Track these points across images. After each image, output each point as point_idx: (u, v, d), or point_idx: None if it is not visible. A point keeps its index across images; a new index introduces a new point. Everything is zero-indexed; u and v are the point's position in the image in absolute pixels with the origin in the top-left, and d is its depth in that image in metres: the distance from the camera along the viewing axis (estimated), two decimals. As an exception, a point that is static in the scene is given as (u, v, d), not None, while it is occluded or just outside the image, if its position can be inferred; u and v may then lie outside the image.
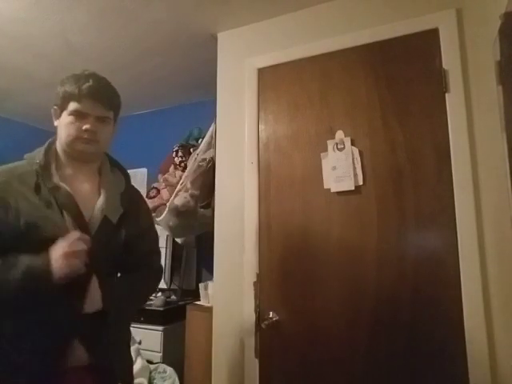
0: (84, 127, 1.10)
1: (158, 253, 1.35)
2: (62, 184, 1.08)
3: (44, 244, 0.99)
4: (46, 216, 1.03)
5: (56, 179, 1.09)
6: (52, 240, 1.00)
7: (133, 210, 1.22)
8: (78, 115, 1.10)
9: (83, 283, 1.04)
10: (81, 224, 1.06)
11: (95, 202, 1.13)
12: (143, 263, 1.26)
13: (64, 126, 1.12)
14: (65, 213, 1.05)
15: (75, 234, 1.01)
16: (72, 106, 1.10)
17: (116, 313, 1.10)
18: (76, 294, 1.03)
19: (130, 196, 1.26)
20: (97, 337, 1.07)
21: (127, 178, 1.28)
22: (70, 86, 1.11)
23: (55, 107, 1.16)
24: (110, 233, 1.13)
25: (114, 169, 1.26)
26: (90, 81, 1.11)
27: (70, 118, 1.10)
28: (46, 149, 1.15)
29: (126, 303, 1.18)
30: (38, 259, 0.98)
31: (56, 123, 1.16)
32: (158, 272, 1.36)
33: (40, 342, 1.00)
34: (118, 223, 1.15)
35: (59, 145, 1.16)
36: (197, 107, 2.94)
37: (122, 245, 1.16)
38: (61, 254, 0.97)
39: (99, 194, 1.16)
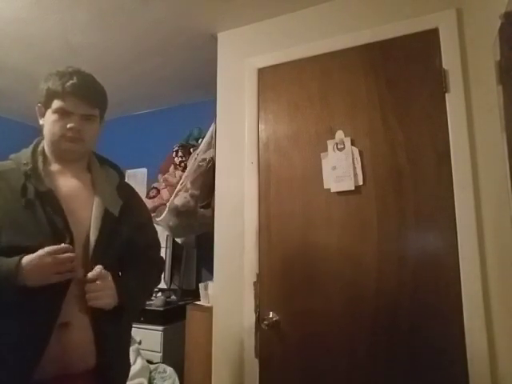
0: (68, 126, 1.07)
1: (158, 245, 1.35)
2: (53, 189, 1.05)
3: (21, 251, 0.95)
4: (28, 221, 0.99)
5: (47, 182, 1.05)
6: (31, 247, 0.96)
7: (131, 203, 1.22)
8: (63, 113, 1.07)
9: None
10: (65, 233, 1.01)
11: (90, 198, 1.12)
12: (144, 256, 1.25)
13: (48, 124, 1.09)
14: (50, 220, 1.01)
15: (62, 245, 0.96)
16: (56, 103, 1.07)
17: (130, 308, 1.10)
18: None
19: (126, 189, 1.25)
20: (108, 336, 1.05)
21: (119, 172, 1.27)
22: (54, 83, 1.08)
23: (39, 105, 1.13)
24: (113, 226, 1.12)
25: (104, 165, 1.24)
26: (74, 78, 1.08)
27: (54, 117, 1.08)
28: (32, 149, 1.12)
29: (136, 298, 1.18)
30: (7, 260, 0.93)
31: (41, 121, 1.13)
32: (160, 263, 1.36)
33: (17, 349, 0.95)
34: (119, 215, 1.14)
35: (45, 144, 1.14)
36: (197, 107, 2.94)
37: (125, 238, 1.16)
38: (38, 261, 0.93)
39: (93, 191, 1.14)
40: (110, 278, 1.06)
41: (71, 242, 1.01)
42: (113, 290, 1.05)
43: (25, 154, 1.11)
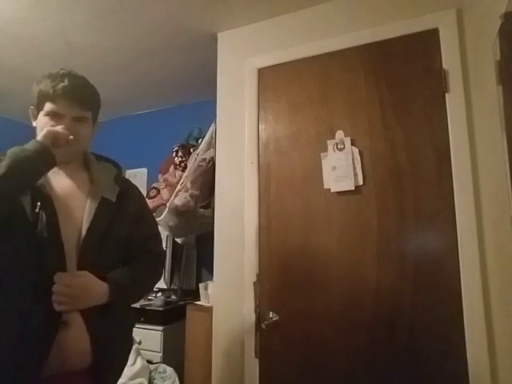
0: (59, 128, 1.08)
1: (158, 237, 1.33)
2: (44, 184, 1.06)
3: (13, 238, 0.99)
4: (19, 213, 1.01)
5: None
6: (21, 239, 1.00)
7: (129, 193, 1.22)
8: (54, 116, 1.08)
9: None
10: (54, 228, 1.03)
11: (86, 197, 1.12)
12: (143, 249, 1.24)
13: (40, 126, 1.10)
14: (41, 213, 1.02)
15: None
16: (47, 106, 1.08)
17: (121, 304, 1.10)
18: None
19: (124, 180, 1.26)
20: (101, 335, 1.05)
21: (117, 166, 1.28)
22: (46, 85, 1.08)
23: (32, 107, 1.14)
24: (112, 213, 1.13)
25: (101, 162, 1.25)
26: (66, 80, 1.08)
27: (46, 119, 1.08)
28: None
29: (129, 295, 1.18)
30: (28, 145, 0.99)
31: (34, 124, 1.14)
32: (160, 256, 1.34)
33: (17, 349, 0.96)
34: (117, 202, 1.15)
35: None
36: (197, 107, 2.94)
37: (126, 227, 1.16)
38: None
39: (90, 184, 1.15)
40: (86, 283, 1.04)
41: (57, 232, 1.02)
42: (89, 297, 1.04)
43: None
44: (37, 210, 1.02)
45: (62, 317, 1.00)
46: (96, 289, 1.05)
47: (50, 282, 0.99)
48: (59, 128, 1.05)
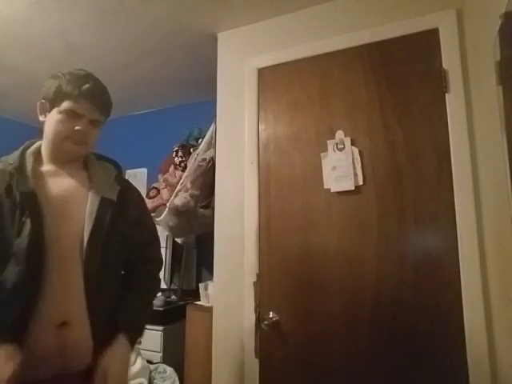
0: (76, 128, 1.06)
1: (157, 241, 1.33)
2: (36, 191, 1.02)
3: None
4: (3, 223, 0.98)
5: (32, 184, 1.03)
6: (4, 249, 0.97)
7: (129, 193, 1.21)
8: (72, 115, 1.06)
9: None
10: (36, 241, 0.98)
11: (86, 197, 1.10)
12: (144, 258, 1.24)
13: (53, 122, 1.07)
14: (26, 225, 0.98)
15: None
16: (67, 104, 1.06)
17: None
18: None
19: (124, 181, 1.25)
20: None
21: (117, 166, 1.26)
22: (68, 84, 1.06)
23: (43, 101, 1.10)
24: (113, 212, 1.11)
25: (102, 162, 1.24)
26: (90, 82, 1.08)
27: (62, 116, 1.06)
28: (21, 150, 1.10)
29: (141, 321, 1.21)
30: None
31: (41, 118, 1.11)
32: (162, 264, 1.34)
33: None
34: (118, 201, 1.13)
35: (44, 142, 1.12)
36: (197, 107, 2.94)
37: (127, 227, 1.15)
38: None
39: (89, 184, 1.14)
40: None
41: (40, 248, 0.99)
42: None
43: (13, 155, 1.09)
44: (23, 219, 0.98)
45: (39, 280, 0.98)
46: (125, 360, 1.09)
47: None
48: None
